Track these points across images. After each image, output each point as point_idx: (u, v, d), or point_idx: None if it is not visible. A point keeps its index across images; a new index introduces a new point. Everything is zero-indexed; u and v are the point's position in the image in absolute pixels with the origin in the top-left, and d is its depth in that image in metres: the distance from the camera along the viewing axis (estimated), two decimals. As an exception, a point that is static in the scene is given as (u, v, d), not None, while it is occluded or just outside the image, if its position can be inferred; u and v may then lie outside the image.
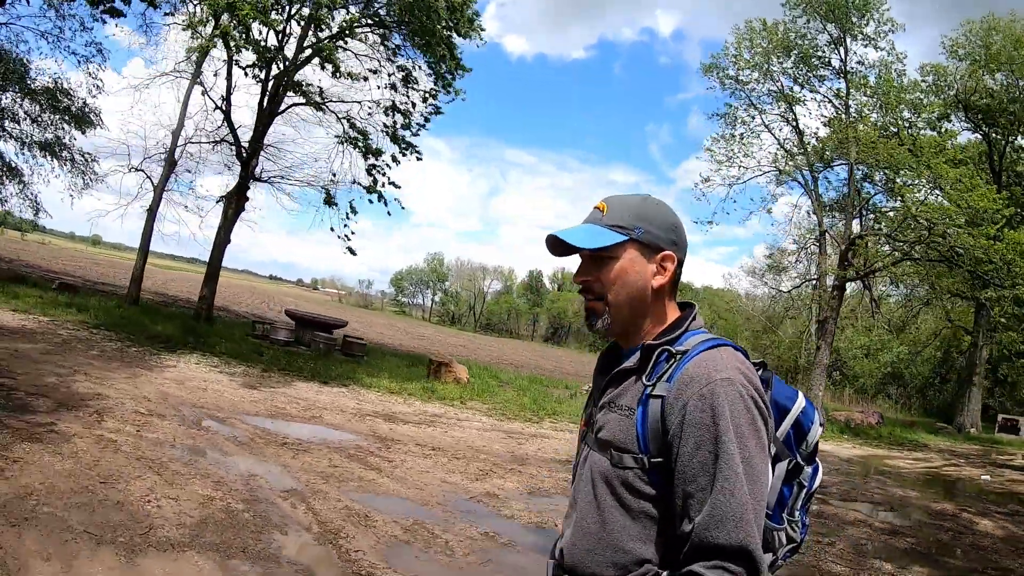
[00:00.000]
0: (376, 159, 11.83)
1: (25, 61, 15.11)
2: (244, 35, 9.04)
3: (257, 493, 4.55)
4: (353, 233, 12.95)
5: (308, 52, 10.53)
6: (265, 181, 13.68)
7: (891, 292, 19.60)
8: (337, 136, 12.26)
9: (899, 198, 16.81)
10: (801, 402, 1.11)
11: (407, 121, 11.90)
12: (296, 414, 7.43)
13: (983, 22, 16.70)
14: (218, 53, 11.41)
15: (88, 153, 15.28)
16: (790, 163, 16.96)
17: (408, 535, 4.28)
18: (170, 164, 14.13)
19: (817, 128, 17.66)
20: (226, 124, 12.59)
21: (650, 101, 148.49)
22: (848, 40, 17.14)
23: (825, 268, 15.96)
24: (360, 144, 11.69)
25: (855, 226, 16.26)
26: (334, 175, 12.56)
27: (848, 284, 16.56)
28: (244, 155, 12.77)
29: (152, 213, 13.90)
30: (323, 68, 10.06)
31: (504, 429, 8.97)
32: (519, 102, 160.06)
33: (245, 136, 13.03)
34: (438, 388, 10.47)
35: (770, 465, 1.01)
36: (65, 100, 14.85)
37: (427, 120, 11.98)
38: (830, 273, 15.85)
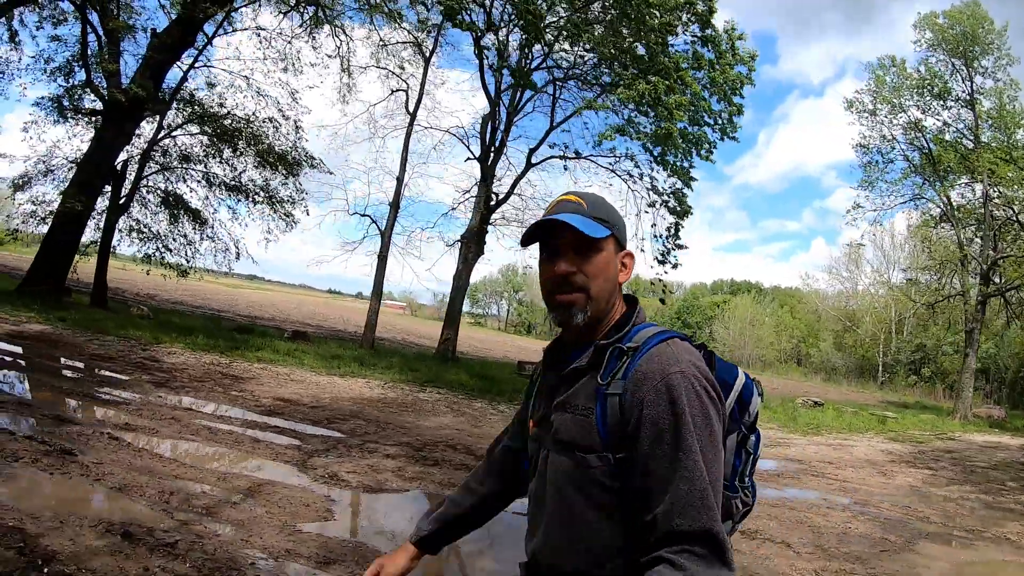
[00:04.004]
0: (682, 219, 12.75)
1: (222, 104, 15.02)
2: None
3: None
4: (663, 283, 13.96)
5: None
6: (499, 225, 14.29)
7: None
8: (648, 202, 13.23)
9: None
10: (742, 377, 1.17)
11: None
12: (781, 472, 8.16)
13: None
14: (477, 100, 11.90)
15: (291, 196, 15.32)
16: (923, 186, 18.64)
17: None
18: (395, 208, 14.49)
19: (940, 152, 19.37)
20: (480, 173, 13.20)
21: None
22: (971, 73, 18.85)
23: (968, 285, 17.76)
24: (679, 210, 12.59)
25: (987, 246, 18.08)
26: (656, 236, 13.39)
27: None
28: (493, 202, 13.35)
29: (383, 259, 14.26)
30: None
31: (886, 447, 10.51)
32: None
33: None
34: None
35: (723, 444, 1.06)
36: (267, 142, 14.84)
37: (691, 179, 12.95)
38: (973, 289, 17.67)
